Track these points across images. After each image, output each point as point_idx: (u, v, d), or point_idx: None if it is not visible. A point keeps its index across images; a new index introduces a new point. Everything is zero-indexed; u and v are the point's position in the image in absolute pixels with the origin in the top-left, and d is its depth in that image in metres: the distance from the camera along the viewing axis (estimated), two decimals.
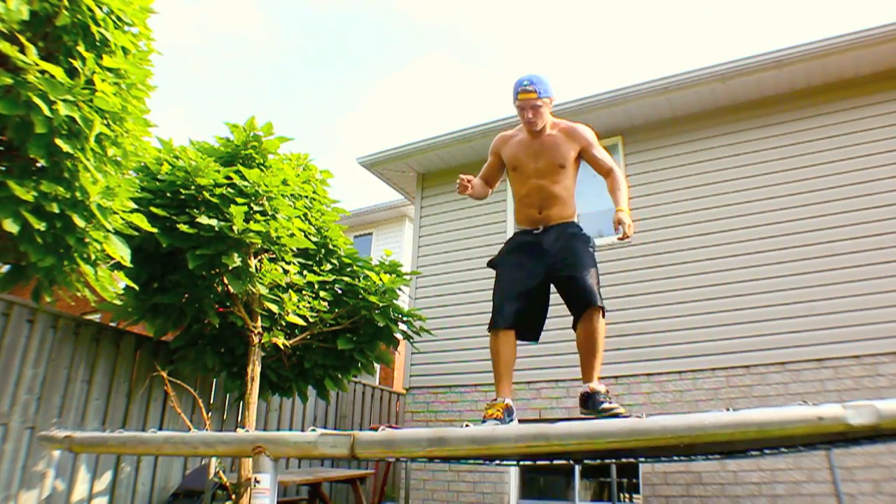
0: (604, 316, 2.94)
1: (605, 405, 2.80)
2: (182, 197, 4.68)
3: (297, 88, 50.96)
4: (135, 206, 3.96)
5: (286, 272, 5.07)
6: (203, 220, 4.47)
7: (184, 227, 4.47)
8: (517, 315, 2.98)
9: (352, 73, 47.63)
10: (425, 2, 41.96)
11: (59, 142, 3.10)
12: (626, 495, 6.02)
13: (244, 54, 46.67)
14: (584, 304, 2.93)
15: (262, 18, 42.90)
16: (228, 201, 4.64)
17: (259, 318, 5.07)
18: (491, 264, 3.27)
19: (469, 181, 3.15)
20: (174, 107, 46.35)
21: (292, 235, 4.90)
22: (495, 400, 2.90)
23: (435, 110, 51.02)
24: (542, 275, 3.05)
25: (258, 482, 1.79)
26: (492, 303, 3.06)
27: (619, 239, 3.00)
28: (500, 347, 2.97)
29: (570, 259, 3.02)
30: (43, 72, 3.03)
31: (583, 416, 2.91)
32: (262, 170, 5.08)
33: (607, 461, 4.00)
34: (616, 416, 2.74)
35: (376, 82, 50.32)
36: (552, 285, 3.11)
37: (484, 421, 2.80)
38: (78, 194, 3.33)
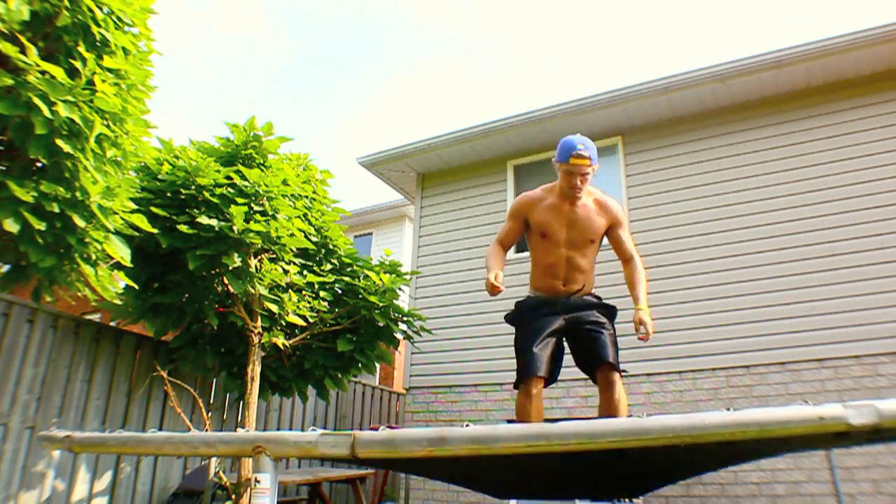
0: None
1: None
2: (182, 197, 4.68)
3: (299, 89, 50.96)
4: (135, 207, 3.96)
5: (286, 272, 5.07)
6: (203, 220, 4.47)
7: (184, 228, 4.46)
8: (548, 361, 2.86)
9: (354, 74, 47.65)
10: (427, 4, 41.95)
11: (59, 142, 3.10)
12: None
13: (247, 55, 46.68)
14: (603, 362, 2.80)
15: (265, 20, 42.92)
16: (228, 201, 4.64)
17: (259, 318, 5.07)
18: (510, 319, 3.16)
19: (500, 284, 2.91)
20: (176, 107, 46.39)
21: (292, 235, 4.90)
22: None
23: (436, 111, 51.02)
24: (563, 321, 2.96)
25: (259, 482, 1.79)
26: (518, 354, 2.93)
27: (639, 339, 2.89)
28: (535, 404, 2.77)
29: (592, 317, 2.95)
30: (43, 72, 3.03)
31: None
32: (262, 170, 5.08)
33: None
34: None
35: (379, 84, 50.32)
36: (568, 340, 3.01)
37: None
38: (78, 194, 3.33)
